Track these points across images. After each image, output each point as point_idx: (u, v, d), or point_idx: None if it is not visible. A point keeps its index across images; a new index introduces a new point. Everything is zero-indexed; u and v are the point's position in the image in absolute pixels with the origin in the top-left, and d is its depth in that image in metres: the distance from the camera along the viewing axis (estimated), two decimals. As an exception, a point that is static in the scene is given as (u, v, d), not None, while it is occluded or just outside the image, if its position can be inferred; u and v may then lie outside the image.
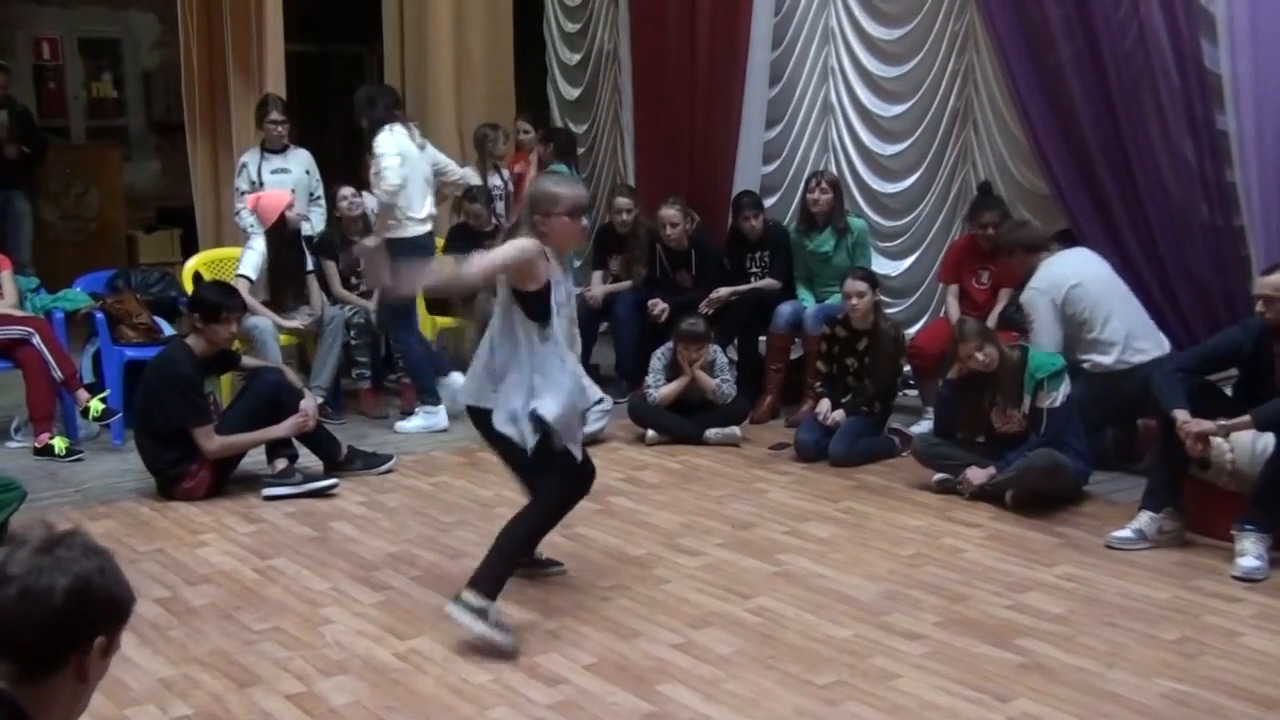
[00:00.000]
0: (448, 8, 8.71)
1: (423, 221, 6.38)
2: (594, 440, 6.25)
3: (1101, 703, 3.38)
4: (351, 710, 3.38)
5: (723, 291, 6.89)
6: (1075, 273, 5.44)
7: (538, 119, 8.54)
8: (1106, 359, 5.35)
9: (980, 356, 5.14)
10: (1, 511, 4.44)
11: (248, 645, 3.81)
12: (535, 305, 3.83)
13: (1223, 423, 4.46)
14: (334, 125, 7.24)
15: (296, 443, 5.51)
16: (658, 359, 6.44)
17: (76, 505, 5.20)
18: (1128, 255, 5.71)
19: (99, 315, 6.50)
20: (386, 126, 6.24)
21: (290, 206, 6.62)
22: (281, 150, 7.29)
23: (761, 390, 6.82)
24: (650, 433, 6.33)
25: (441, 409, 6.51)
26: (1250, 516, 4.41)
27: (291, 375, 5.72)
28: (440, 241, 7.62)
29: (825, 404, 6.03)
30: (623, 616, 4.03)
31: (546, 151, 8.02)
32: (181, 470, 5.29)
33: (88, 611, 1.77)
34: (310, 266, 6.91)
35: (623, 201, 7.31)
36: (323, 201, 7.43)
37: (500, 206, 7.76)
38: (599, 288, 7.34)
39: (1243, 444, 4.56)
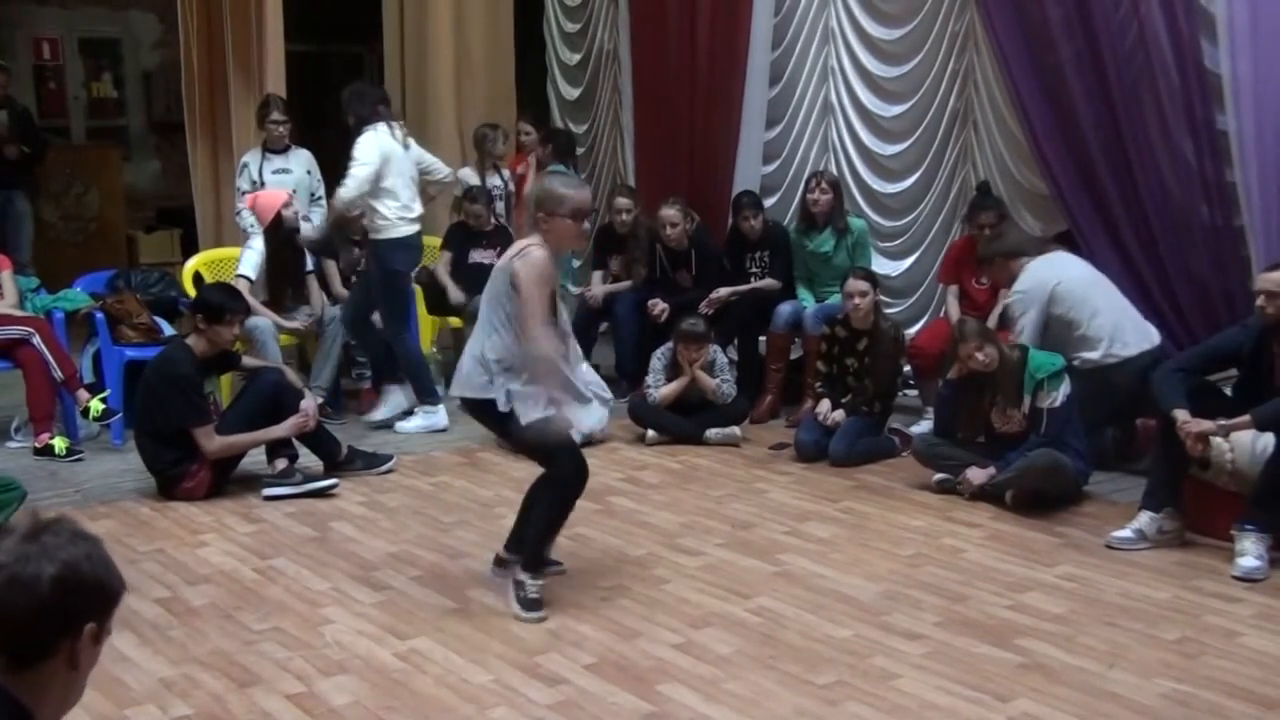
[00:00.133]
0: (448, 8, 8.71)
1: (412, 221, 6.37)
2: (594, 440, 6.26)
3: (1102, 703, 3.39)
4: (351, 710, 3.38)
5: (723, 291, 6.89)
6: (1057, 273, 5.49)
7: (539, 120, 8.54)
8: (1095, 354, 5.36)
9: (980, 356, 5.14)
10: (1, 511, 4.44)
11: (248, 645, 3.81)
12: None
13: (1223, 422, 4.46)
14: (334, 125, 7.25)
15: (296, 443, 5.51)
16: (658, 359, 6.44)
17: (77, 505, 5.20)
18: (1128, 255, 5.71)
19: (99, 315, 6.50)
20: (371, 126, 6.21)
21: (287, 205, 6.61)
22: (283, 150, 7.29)
23: (761, 390, 6.82)
24: (650, 433, 6.33)
25: (441, 409, 6.51)
26: (1250, 516, 4.41)
27: (292, 375, 5.72)
28: (438, 240, 7.64)
29: (825, 404, 6.03)
30: (623, 616, 4.03)
31: (545, 152, 8.02)
32: (182, 470, 5.29)
33: (76, 598, 1.77)
34: (310, 266, 6.92)
35: (623, 201, 7.31)
36: (324, 201, 7.42)
37: (500, 206, 7.76)
38: (599, 288, 7.34)
39: (1243, 444, 4.57)
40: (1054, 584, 4.30)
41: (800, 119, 7.60)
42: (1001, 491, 5.14)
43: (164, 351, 5.61)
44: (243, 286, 6.33)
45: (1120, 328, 5.40)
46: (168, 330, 6.68)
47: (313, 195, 7.37)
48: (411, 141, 6.50)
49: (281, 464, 5.41)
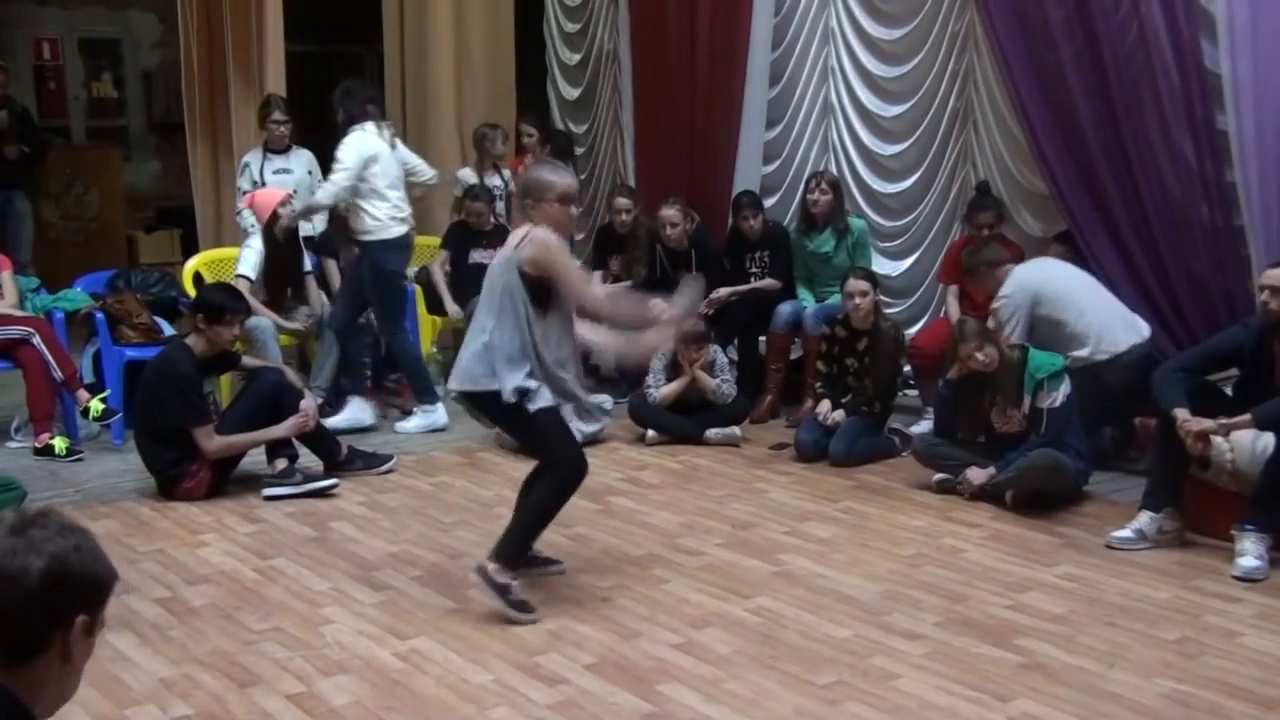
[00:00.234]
0: (448, 8, 8.71)
1: (402, 221, 6.36)
2: (594, 440, 6.26)
3: (1102, 703, 3.39)
4: (351, 710, 3.38)
5: (723, 292, 6.89)
6: (1041, 275, 5.58)
7: (542, 122, 8.54)
8: (1084, 351, 5.37)
9: (980, 356, 5.14)
10: (1, 511, 4.45)
11: (248, 645, 3.81)
12: (542, 291, 3.94)
13: (1223, 421, 4.46)
14: (334, 125, 7.27)
15: (296, 443, 5.51)
16: (658, 359, 6.43)
17: (77, 505, 5.20)
18: (1128, 255, 5.71)
19: (99, 315, 6.50)
20: (359, 125, 6.21)
21: (284, 204, 6.58)
22: (284, 150, 7.29)
23: (761, 390, 6.83)
24: (650, 433, 6.33)
25: (440, 407, 6.51)
26: (1250, 516, 4.41)
27: (291, 375, 5.72)
28: (437, 240, 7.65)
29: (825, 404, 6.03)
30: (623, 616, 4.03)
31: (543, 153, 8.01)
32: (182, 470, 5.29)
33: (65, 590, 1.76)
34: (309, 266, 6.91)
35: (623, 202, 7.31)
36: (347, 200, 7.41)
37: (500, 206, 7.76)
38: (599, 288, 7.33)
39: (1243, 444, 4.57)
40: (1054, 584, 4.30)
41: (800, 119, 7.60)
42: (1001, 491, 5.14)
43: (164, 351, 5.61)
44: (243, 286, 6.32)
45: (1108, 324, 5.42)
46: (168, 330, 6.68)
47: (313, 195, 7.36)
48: (398, 142, 6.48)
49: (281, 464, 5.41)
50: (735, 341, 7.04)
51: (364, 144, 6.19)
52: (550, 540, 4.56)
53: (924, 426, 6.01)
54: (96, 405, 5.95)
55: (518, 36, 9.16)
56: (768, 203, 7.41)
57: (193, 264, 7.19)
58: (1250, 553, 4.35)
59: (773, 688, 3.49)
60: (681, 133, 7.84)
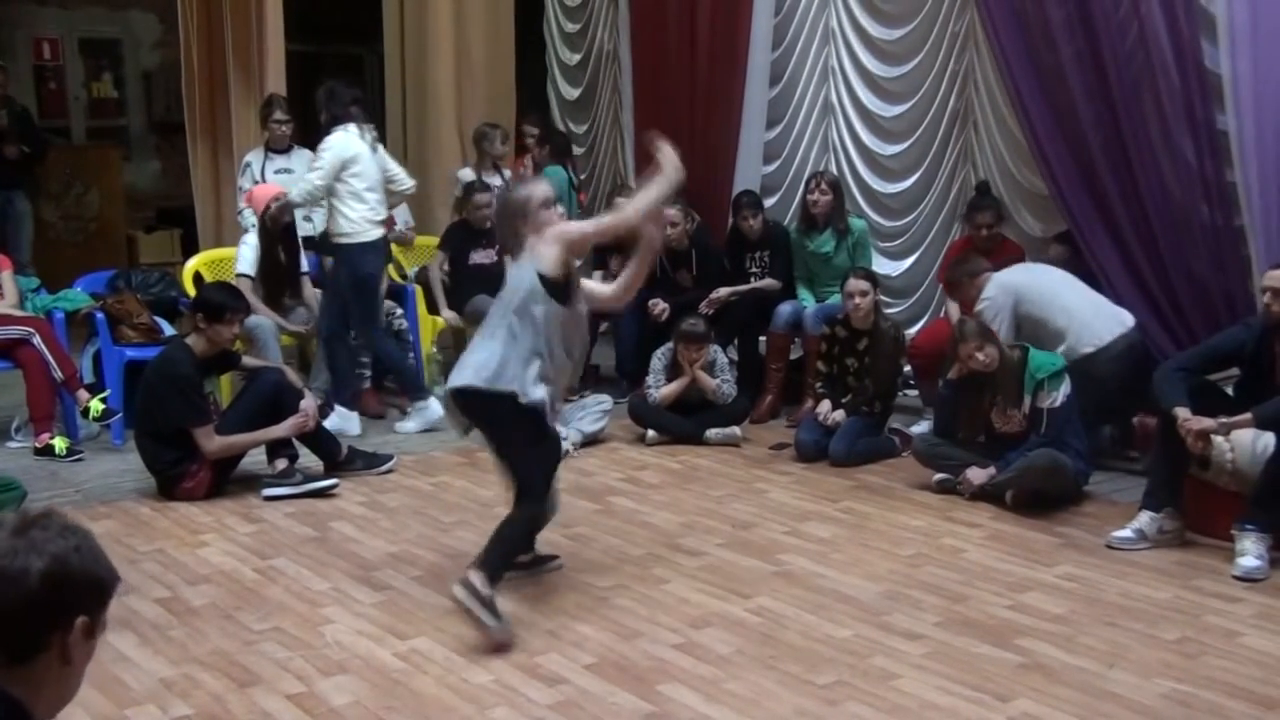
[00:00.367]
0: (448, 8, 8.71)
1: (379, 224, 6.33)
2: (594, 440, 6.27)
3: (1102, 703, 3.39)
4: (352, 710, 3.38)
5: (723, 291, 6.89)
6: (1021, 275, 5.67)
7: (544, 122, 8.54)
8: (1070, 346, 5.40)
9: (980, 357, 5.14)
10: (2, 511, 4.45)
11: (248, 645, 3.81)
12: (559, 289, 4.00)
13: (1224, 420, 4.46)
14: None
15: (297, 443, 5.51)
16: (658, 359, 6.44)
17: (77, 505, 5.20)
18: (1128, 255, 5.71)
19: (99, 315, 6.50)
20: (342, 126, 6.18)
21: (277, 199, 6.52)
22: (285, 150, 7.29)
23: (762, 390, 6.83)
24: (650, 433, 6.33)
25: (432, 400, 6.43)
26: (1250, 516, 4.41)
27: (292, 375, 5.71)
28: (435, 240, 7.64)
29: (825, 404, 6.03)
30: (623, 616, 4.03)
31: (541, 154, 8.02)
32: (182, 470, 5.29)
33: (66, 591, 1.76)
34: (309, 267, 6.90)
35: (623, 202, 7.28)
36: (324, 202, 7.41)
37: (501, 206, 7.75)
38: (599, 288, 7.32)
39: (1243, 444, 4.57)
40: (1054, 584, 4.30)
41: (800, 119, 7.61)
42: (1002, 491, 5.14)
43: (164, 351, 5.61)
44: (245, 286, 6.32)
45: (1091, 318, 5.45)
46: (168, 330, 6.68)
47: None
48: (380, 146, 6.43)
49: (282, 464, 5.41)
50: (735, 341, 7.04)
51: (344, 145, 6.16)
52: (550, 540, 4.56)
53: (924, 426, 6.02)
54: (96, 405, 5.96)
55: (518, 36, 9.16)
56: (768, 203, 7.42)
57: (193, 264, 7.19)
58: (1250, 552, 4.35)
59: (773, 688, 3.49)
60: (682, 133, 7.80)
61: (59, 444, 5.93)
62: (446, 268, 7.35)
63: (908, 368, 6.38)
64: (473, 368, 4.01)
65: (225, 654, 3.74)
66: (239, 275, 6.56)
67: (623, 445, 6.30)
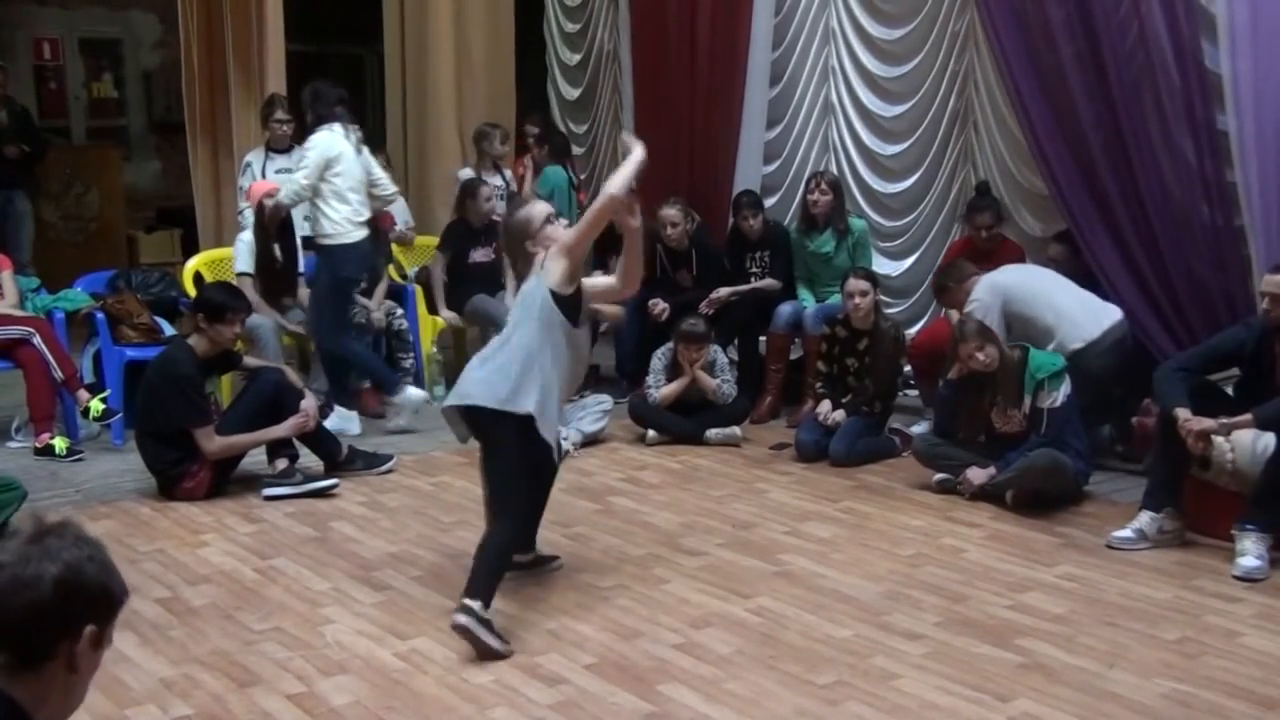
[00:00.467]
0: (448, 8, 8.72)
1: (361, 226, 6.28)
2: (594, 440, 6.27)
3: (1102, 703, 3.39)
4: (352, 710, 3.38)
5: (723, 291, 6.89)
6: (1008, 275, 5.70)
7: (545, 122, 8.53)
8: (1059, 342, 5.42)
9: (980, 357, 5.14)
10: (2, 511, 4.45)
11: (248, 645, 3.81)
12: (571, 306, 4.01)
13: (1224, 421, 4.46)
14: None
15: (297, 443, 5.51)
16: (658, 359, 6.44)
17: (77, 505, 5.20)
18: (1128, 255, 5.71)
19: (99, 315, 6.50)
20: (327, 126, 6.15)
21: (270, 194, 6.46)
22: (286, 150, 7.28)
23: (762, 390, 6.83)
24: (651, 433, 6.33)
25: (408, 388, 6.36)
26: (1250, 516, 4.41)
27: (292, 375, 5.71)
28: (434, 240, 7.64)
29: (825, 404, 6.03)
30: (623, 616, 4.03)
31: (541, 154, 8.02)
32: (182, 470, 5.29)
33: (77, 599, 1.78)
34: (304, 268, 6.87)
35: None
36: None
37: (501, 206, 7.74)
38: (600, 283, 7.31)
39: (1243, 444, 4.57)
40: (1054, 584, 4.30)
41: (801, 119, 7.61)
42: (1002, 491, 5.14)
43: (165, 351, 5.61)
44: (245, 284, 6.31)
45: (1080, 314, 5.48)
46: (168, 330, 6.68)
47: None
48: (365, 148, 6.38)
49: (282, 464, 5.41)
50: (735, 341, 7.04)
51: (328, 144, 6.13)
52: (550, 540, 4.57)
53: (924, 426, 6.02)
54: (97, 405, 5.95)
55: (518, 36, 9.17)
56: (768, 203, 7.42)
57: (193, 264, 7.19)
58: (1250, 552, 4.35)
59: (773, 688, 3.49)
60: (682, 133, 7.84)
61: (59, 444, 5.92)
62: (445, 266, 7.34)
63: (908, 368, 6.38)
64: (485, 385, 3.97)
65: (225, 654, 3.74)
66: (239, 274, 6.56)
67: (623, 445, 6.30)
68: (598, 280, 4.42)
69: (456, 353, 7.43)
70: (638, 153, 4.03)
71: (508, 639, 3.75)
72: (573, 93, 9.24)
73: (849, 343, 6.10)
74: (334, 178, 6.14)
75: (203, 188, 8.08)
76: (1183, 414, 4.49)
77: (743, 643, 3.81)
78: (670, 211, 7.00)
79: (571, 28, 9.15)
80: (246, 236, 6.65)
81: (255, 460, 5.53)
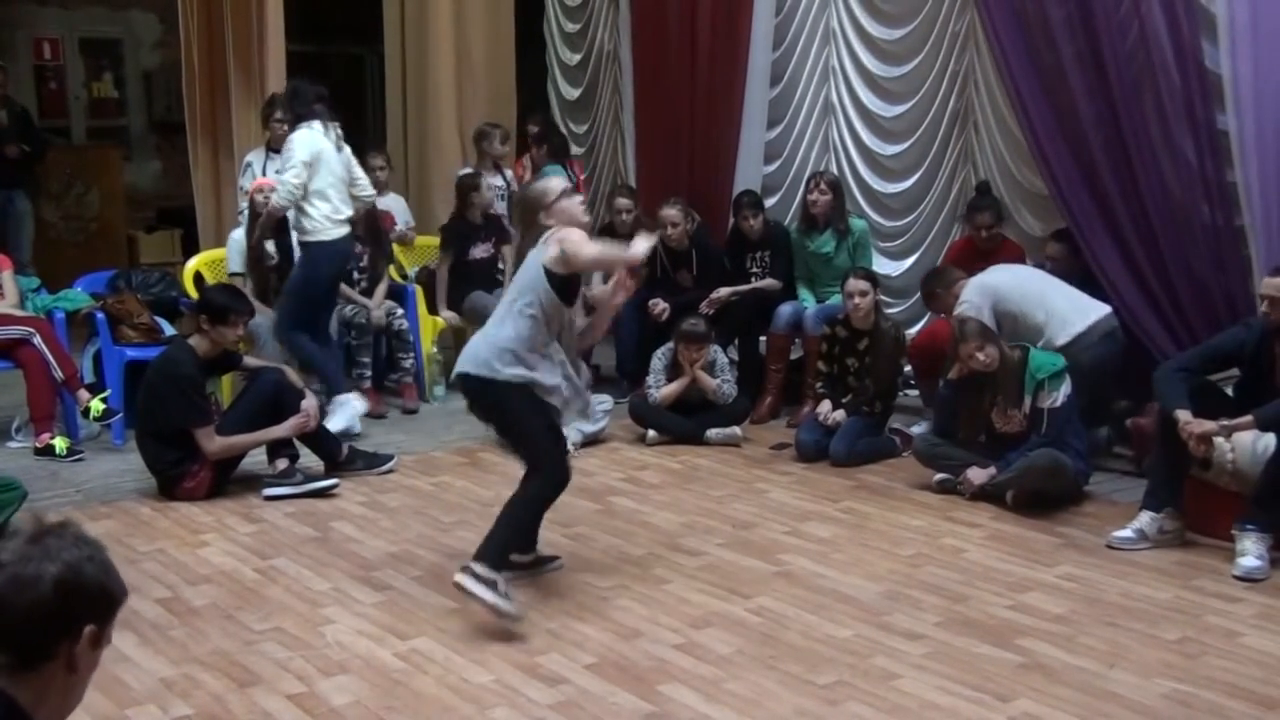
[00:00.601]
0: (448, 8, 8.71)
1: (341, 224, 6.25)
2: (595, 440, 6.27)
3: (1102, 703, 3.39)
4: (352, 710, 3.38)
5: (723, 291, 6.89)
6: (996, 275, 5.71)
7: (547, 122, 8.53)
8: (1049, 337, 5.43)
9: (981, 357, 5.14)
10: (2, 511, 4.45)
11: (248, 645, 3.81)
12: (567, 288, 4.05)
13: (1224, 423, 4.46)
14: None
15: (297, 443, 5.51)
16: (658, 359, 6.44)
17: (77, 505, 5.20)
18: (1129, 255, 5.71)
19: (100, 315, 6.50)
20: (306, 124, 6.13)
21: (260, 189, 6.45)
22: None
23: (762, 390, 6.82)
24: (651, 433, 6.33)
25: (352, 397, 6.31)
26: (1251, 516, 4.41)
27: (292, 375, 5.70)
28: (434, 239, 7.64)
29: (826, 404, 6.03)
30: (623, 616, 4.03)
31: (540, 154, 8.01)
32: (182, 470, 5.29)
33: (76, 599, 1.78)
34: None
35: (623, 202, 7.31)
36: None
37: (502, 206, 7.75)
38: (599, 288, 7.31)
39: (1243, 444, 4.57)
40: (1054, 584, 4.30)
41: (801, 119, 7.61)
42: (1002, 491, 5.14)
43: (166, 351, 5.61)
44: (237, 284, 6.30)
45: (1066, 309, 5.50)
46: (168, 330, 6.68)
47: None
48: (346, 146, 6.34)
49: (282, 464, 5.41)
50: (736, 342, 7.04)
51: (308, 142, 6.10)
52: (550, 540, 4.57)
53: (924, 426, 6.02)
54: (97, 405, 5.95)
55: (518, 36, 9.16)
56: (768, 203, 7.41)
57: (193, 264, 7.19)
58: (1251, 552, 4.35)
59: (773, 688, 3.49)
60: (682, 133, 7.84)
61: (59, 444, 5.93)
62: (448, 265, 7.34)
63: (908, 368, 6.38)
64: (469, 353, 4.11)
65: (226, 654, 3.74)
66: (231, 275, 6.54)
67: (623, 445, 6.30)
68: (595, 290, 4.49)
69: (456, 352, 7.41)
70: (643, 248, 4.09)
71: (514, 600, 3.85)
72: (573, 93, 9.24)
73: (849, 343, 6.10)
74: (314, 176, 6.11)
75: (203, 188, 8.08)
76: (1183, 416, 4.49)
77: (743, 643, 3.81)
78: (670, 211, 7.01)
79: (571, 28, 9.14)
80: (238, 235, 6.64)
81: (255, 460, 5.53)
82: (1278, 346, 4.57)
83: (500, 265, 7.41)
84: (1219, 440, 4.54)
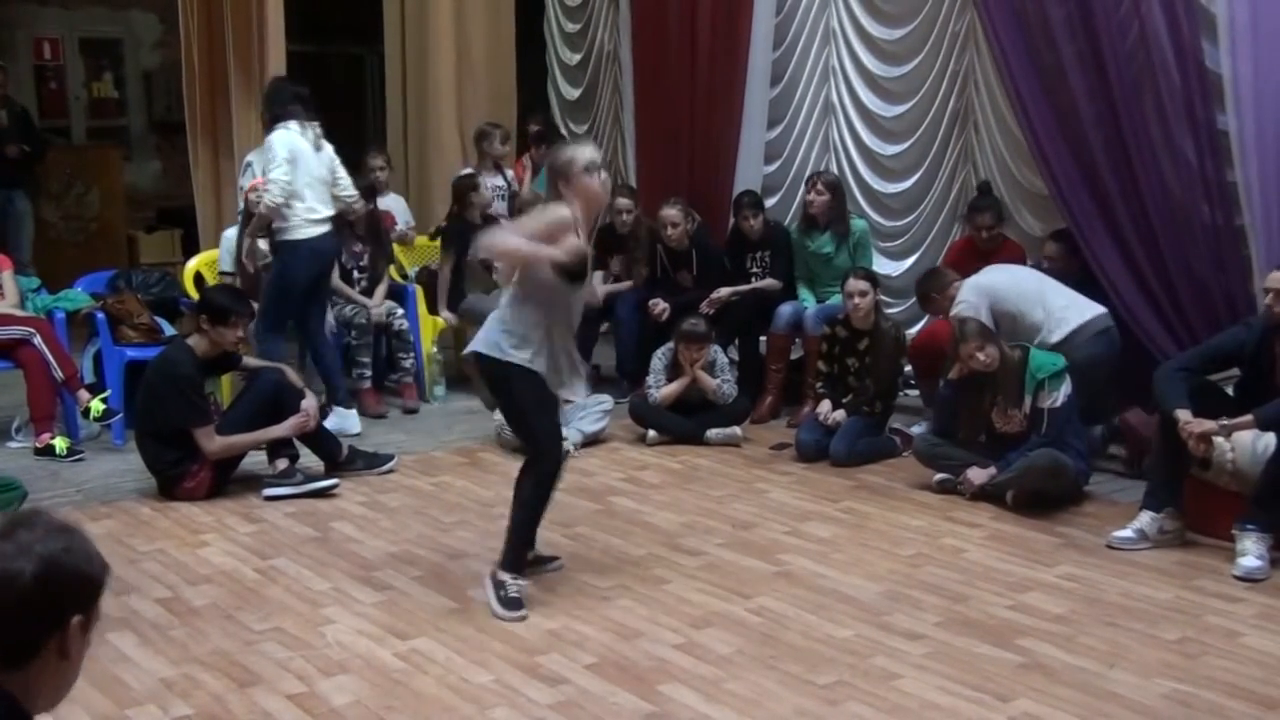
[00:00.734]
0: (449, 8, 8.71)
1: (318, 223, 6.22)
2: (595, 440, 6.27)
3: (1102, 703, 3.39)
4: (352, 710, 3.38)
5: (723, 291, 6.89)
6: (992, 275, 5.73)
7: (548, 121, 8.53)
8: (1044, 335, 5.44)
9: (981, 357, 5.14)
10: (2, 512, 4.45)
11: (249, 645, 3.81)
12: (566, 269, 4.01)
13: (1225, 422, 4.46)
14: (334, 127, 7.30)
15: (297, 443, 5.51)
16: (658, 359, 6.44)
17: (77, 505, 5.20)
18: (1129, 255, 5.71)
19: (100, 315, 6.50)
20: (283, 124, 6.11)
21: (254, 189, 6.41)
22: None
23: (762, 390, 6.82)
24: (651, 433, 6.33)
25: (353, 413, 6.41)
26: (1251, 516, 4.41)
27: (292, 375, 5.70)
28: (433, 240, 7.63)
29: (826, 404, 6.03)
30: (623, 616, 4.03)
31: (540, 154, 8.01)
32: (182, 470, 5.29)
33: (59, 592, 1.74)
34: None
35: (623, 202, 7.30)
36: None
37: (503, 206, 7.75)
38: (600, 288, 7.33)
39: (1244, 444, 4.57)
40: (1055, 584, 4.30)
41: (801, 119, 7.61)
42: (1002, 491, 5.14)
43: (165, 352, 5.61)
44: (229, 281, 6.30)
45: (1061, 306, 5.51)
46: (168, 330, 6.68)
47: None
48: (325, 144, 6.29)
49: (282, 464, 5.41)
50: (736, 341, 7.04)
51: (285, 141, 6.08)
52: (550, 540, 4.57)
53: (924, 426, 6.02)
54: (97, 405, 5.95)
55: (518, 36, 9.16)
56: (769, 203, 7.41)
57: (193, 264, 7.19)
58: (1251, 552, 4.35)
59: (773, 688, 3.49)
60: (682, 133, 7.84)
61: (59, 444, 5.93)
62: (451, 266, 7.34)
63: (908, 368, 6.38)
64: (482, 334, 4.14)
65: (226, 654, 3.74)
66: (221, 274, 6.54)
67: (623, 445, 6.30)
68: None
69: (457, 353, 7.42)
70: (567, 246, 3.95)
71: (523, 605, 3.99)
72: (573, 93, 9.24)
73: (849, 343, 6.10)
74: (291, 174, 6.07)
75: (203, 188, 8.08)
76: (1184, 416, 4.49)
77: (743, 643, 3.81)
78: (670, 211, 7.01)
79: (571, 28, 9.15)
80: (230, 234, 6.64)
81: (255, 460, 5.53)
82: (1278, 346, 4.57)
83: (499, 266, 7.39)
84: (1219, 440, 4.54)
